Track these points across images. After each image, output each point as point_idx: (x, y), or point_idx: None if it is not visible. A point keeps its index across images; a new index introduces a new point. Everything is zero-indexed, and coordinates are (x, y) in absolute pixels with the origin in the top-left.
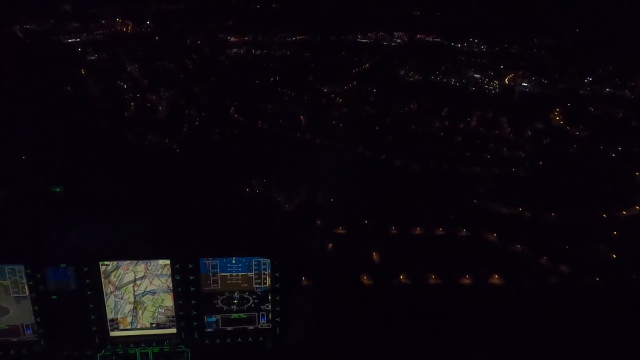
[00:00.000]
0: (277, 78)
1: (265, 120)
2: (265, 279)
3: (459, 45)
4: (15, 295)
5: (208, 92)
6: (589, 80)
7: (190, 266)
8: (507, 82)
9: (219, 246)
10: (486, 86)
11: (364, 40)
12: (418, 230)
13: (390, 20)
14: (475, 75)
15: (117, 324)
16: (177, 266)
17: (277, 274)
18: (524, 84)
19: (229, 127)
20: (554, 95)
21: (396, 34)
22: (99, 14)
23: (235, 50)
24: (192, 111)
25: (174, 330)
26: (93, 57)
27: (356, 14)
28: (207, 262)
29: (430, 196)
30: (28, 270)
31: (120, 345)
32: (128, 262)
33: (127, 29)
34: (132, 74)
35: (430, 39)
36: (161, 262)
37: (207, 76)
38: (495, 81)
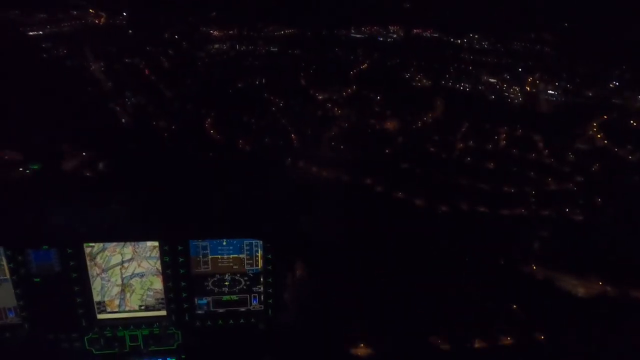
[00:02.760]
0: (264, 81)
1: (248, 140)
2: (257, 260)
3: (459, 41)
4: None
5: (181, 99)
6: (615, 85)
7: (180, 248)
8: (528, 88)
9: (209, 227)
10: (506, 94)
11: (358, 36)
12: (479, 344)
13: (384, 12)
14: (491, 80)
15: (104, 306)
16: (166, 248)
17: (270, 256)
18: (550, 91)
19: (203, 147)
20: (584, 105)
21: (391, 28)
22: (72, 3)
23: (217, 46)
24: (160, 122)
25: (163, 313)
26: (55, 52)
27: (348, 5)
28: (197, 243)
29: (473, 262)
30: (8, 252)
31: (108, 328)
32: (115, 243)
33: (99, 20)
34: (95, 73)
35: (428, 34)
36: (149, 244)
37: (183, 78)
38: (515, 87)
